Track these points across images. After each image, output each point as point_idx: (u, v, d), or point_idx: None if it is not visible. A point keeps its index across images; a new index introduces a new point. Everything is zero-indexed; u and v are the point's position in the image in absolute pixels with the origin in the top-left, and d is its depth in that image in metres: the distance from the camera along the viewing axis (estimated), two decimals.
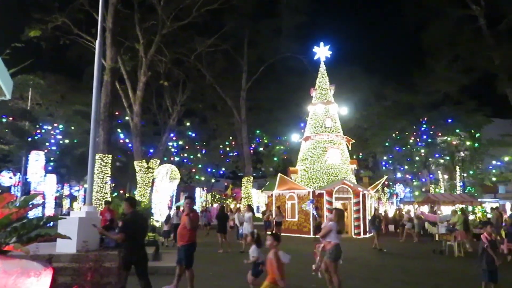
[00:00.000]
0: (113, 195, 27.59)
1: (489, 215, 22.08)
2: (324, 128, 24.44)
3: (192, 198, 8.18)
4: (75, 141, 35.92)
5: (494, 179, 34.78)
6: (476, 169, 35.24)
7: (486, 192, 36.13)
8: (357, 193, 21.90)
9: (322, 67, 26.04)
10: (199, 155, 45.23)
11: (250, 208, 16.69)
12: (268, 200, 25.28)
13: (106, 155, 19.32)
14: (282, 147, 40.76)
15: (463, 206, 23.97)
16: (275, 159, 41.03)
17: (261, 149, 43.07)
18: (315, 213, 21.01)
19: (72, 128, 35.78)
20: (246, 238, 14.73)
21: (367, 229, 21.93)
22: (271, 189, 24.65)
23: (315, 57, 26.29)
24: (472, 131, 35.04)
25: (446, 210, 25.53)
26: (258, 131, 42.03)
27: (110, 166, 19.48)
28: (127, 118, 29.29)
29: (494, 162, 34.44)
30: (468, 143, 34.60)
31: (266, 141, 42.53)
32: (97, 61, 11.28)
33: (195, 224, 7.56)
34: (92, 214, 10.81)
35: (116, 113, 30.78)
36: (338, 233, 7.61)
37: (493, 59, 29.24)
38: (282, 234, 20.06)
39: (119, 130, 38.53)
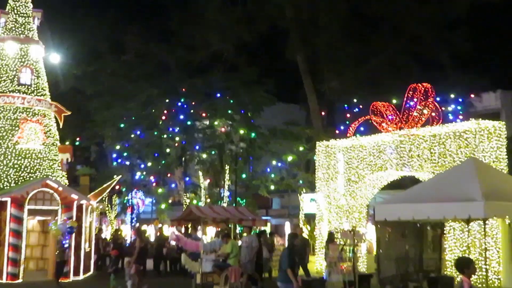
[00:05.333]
0: None
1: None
2: (17, 85, 24.12)
3: None
4: None
5: (272, 187, 38.65)
6: (249, 171, 39.70)
7: (260, 207, 39.93)
8: (69, 203, 22.20)
9: None
10: None
11: None
12: None
13: None
14: None
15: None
16: None
17: None
18: (65, 243, 20.87)
19: None
20: None
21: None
22: None
23: None
24: (249, 113, 38.95)
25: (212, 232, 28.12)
26: None
27: None
28: None
29: (274, 162, 38.18)
30: (242, 131, 37.52)
31: None
32: None
33: None
34: None
35: None
36: None
37: (285, 11, 33.17)
38: None
39: None
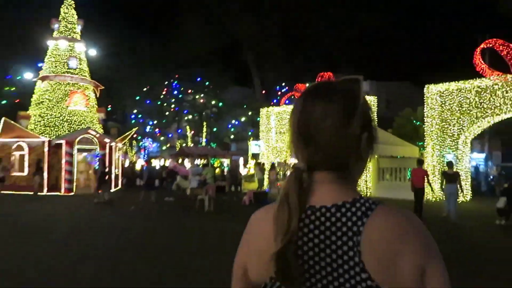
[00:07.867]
0: None
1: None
2: (67, 69, 33.56)
3: None
4: None
5: (232, 137, 59.19)
6: (219, 127, 60.45)
7: (222, 149, 56.54)
8: (104, 145, 30.97)
9: None
10: None
11: None
12: None
13: None
14: (13, 89, 50.52)
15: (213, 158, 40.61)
16: (4, 102, 49.25)
17: None
18: (95, 163, 28.10)
19: None
20: None
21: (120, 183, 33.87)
22: None
23: None
24: (218, 91, 60.16)
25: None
26: None
27: None
28: None
29: (233, 121, 58.40)
30: (213, 102, 57.85)
31: None
32: None
33: None
34: None
35: None
36: None
37: (240, 26, 51.04)
38: (3, 192, 26.57)
39: None
